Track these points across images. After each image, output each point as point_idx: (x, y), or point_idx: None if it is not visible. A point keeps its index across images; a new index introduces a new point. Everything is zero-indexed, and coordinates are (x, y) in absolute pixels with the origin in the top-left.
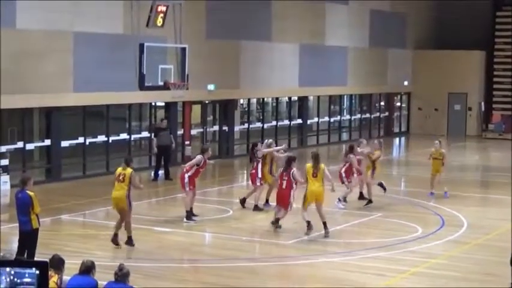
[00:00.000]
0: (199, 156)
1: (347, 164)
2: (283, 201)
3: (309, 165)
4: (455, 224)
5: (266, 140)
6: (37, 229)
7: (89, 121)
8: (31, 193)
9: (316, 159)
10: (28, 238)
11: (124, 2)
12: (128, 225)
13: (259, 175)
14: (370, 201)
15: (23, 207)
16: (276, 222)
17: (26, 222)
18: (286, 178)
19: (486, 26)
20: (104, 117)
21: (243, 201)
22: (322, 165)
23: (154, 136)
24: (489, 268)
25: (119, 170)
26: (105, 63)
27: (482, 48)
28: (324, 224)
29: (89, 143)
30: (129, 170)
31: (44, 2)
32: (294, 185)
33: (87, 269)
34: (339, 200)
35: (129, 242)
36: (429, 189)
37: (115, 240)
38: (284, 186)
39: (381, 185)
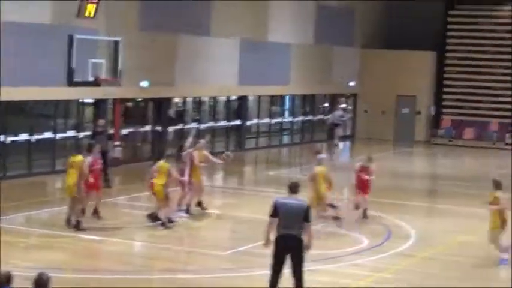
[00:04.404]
0: None
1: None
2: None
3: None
4: (402, 236)
5: (200, 141)
6: None
7: (10, 118)
8: None
9: None
10: None
11: None
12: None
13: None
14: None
15: None
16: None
17: None
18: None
19: (438, 25)
20: (27, 113)
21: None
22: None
23: (91, 139)
24: (435, 282)
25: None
26: (30, 56)
27: (433, 49)
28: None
29: (10, 141)
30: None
31: None
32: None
33: (6, 279)
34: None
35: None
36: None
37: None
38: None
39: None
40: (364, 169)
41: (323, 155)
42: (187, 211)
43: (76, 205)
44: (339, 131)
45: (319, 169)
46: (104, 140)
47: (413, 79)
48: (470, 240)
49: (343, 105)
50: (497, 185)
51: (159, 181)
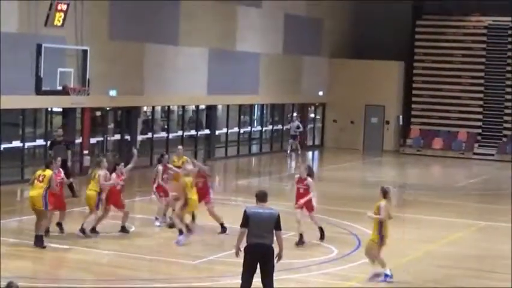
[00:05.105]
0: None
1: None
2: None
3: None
4: None
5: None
6: None
7: None
8: None
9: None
10: None
11: None
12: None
13: (154, 189)
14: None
15: None
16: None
17: None
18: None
19: (405, 35)
20: None
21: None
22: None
23: (50, 149)
24: None
25: (39, 172)
26: None
27: (401, 59)
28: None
29: None
30: (49, 172)
31: None
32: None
33: None
34: (156, 218)
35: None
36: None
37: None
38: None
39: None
40: (301, 181)
41: (189, 166)
42: (165, 221)
43: (41, 219)
44: (295, 142)
45: (187, 179)
46: (63, 150)
47: (382, 89)
48: (438, 248)
49: (312, 115)
50: (385, 194)
51: (90, 187)
